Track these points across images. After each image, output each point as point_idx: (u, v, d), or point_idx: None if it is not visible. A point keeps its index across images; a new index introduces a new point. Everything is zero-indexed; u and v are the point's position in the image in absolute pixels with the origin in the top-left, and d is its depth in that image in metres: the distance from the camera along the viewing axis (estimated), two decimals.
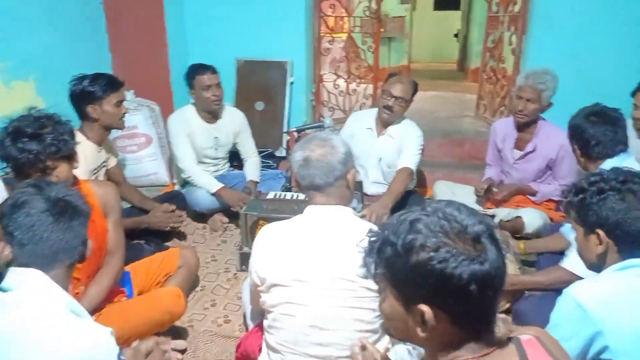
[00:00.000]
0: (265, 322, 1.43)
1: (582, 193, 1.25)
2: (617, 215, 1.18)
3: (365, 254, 0.86)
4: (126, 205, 2.73)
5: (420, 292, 0.78)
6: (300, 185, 1.46)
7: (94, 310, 1.70)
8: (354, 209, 2.40)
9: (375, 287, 1.28)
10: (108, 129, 2.43)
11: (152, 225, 2.57)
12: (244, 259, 2.40)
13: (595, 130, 1.90)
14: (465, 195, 3.05)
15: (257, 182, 3.10)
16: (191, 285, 2.31)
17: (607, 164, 1.86)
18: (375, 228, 0.90)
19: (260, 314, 1.55)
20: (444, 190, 3.15)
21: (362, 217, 2.33)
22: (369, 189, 2.90)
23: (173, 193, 3.10)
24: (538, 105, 2.67)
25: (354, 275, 1.29)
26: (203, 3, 3.89)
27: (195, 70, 2.93)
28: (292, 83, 3.95)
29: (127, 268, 1.96)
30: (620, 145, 1.91)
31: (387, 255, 0.82)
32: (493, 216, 2.87)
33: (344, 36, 4.42)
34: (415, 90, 2.72)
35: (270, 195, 2.64)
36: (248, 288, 1.62)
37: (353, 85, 4.41)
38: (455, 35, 10.21)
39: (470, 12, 8.50)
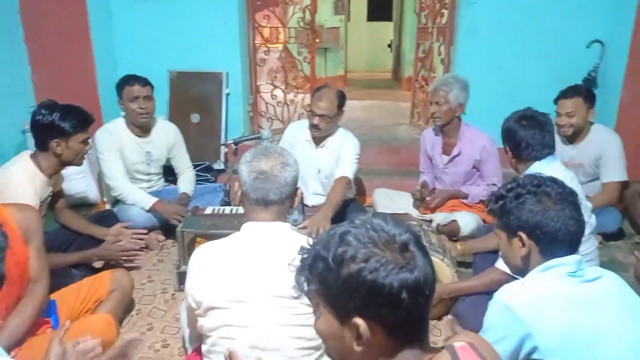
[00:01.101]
0: (204, 347, 1.37)
1: (502, 199, 1.31)
2: (535, 217, 1.24)
3: (297, 272, 0.85)
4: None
5: (354, 304, 0.78)
6: (248, 198, 1.39)
7: (15, 345, 1.56)
8: (295, 221, 2.42)
9: None
10: (66, 165, 2.24)
11: (106, 259, 2.42)
12: (182, 278, 2.29)
13: (525, 133, 1.99)
14: (404, 201, 3.13)
15: (189, 195, 3.00)
16: (126, 309, 2.19)
17: (536, 167, 1.96)
18: (306, 244, 0.89)
19: (199, 336, 1.48)
20: (382, 197, 3.20)
21: (304, 228, 2.33)
22: (309, 200, 2.89)
23: (104, 212, 2.93)
24: (447, 106, 2.83)
25: (294, 292, 1.27)
26: (132, 13, 3.75)
27: (126, 81, 2.82)
28: (228, 94, 3.89)
29: (53, 296, 1.82)
30: (547, 148, 2.01)
31: (319, 271, 0.81)
32: (430, 221, 2.96)
33: (280, 47, 4.42)
34: (342, 101, 2.73)
35: (208, 211, 2.56)
36: (185, 310, 1.55)
37: (291, 96, 4.42)
38: (389, 46, 10.53)
39: (402, 23, 8.81)
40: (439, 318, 2.15)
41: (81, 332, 1.69)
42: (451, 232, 2.77)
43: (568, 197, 1.26)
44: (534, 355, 1.16)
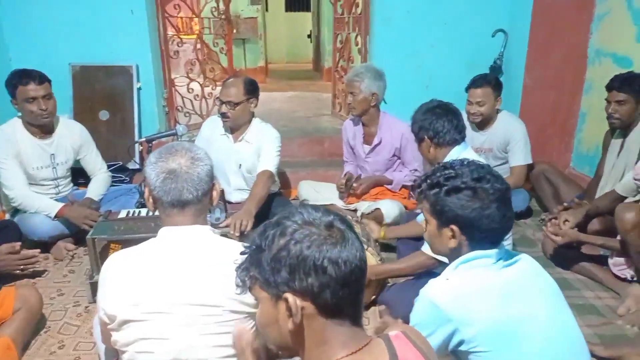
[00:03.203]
0: None
1: (438, 187, 1.27)
2: (471, 214, 1.22)
3: (239, 270, 0.87)
4: None
5: (281, 278, 0.80)
6: (161, 202, 1.28)
7: None
8: (218, 219, 2.33)
9: (241, 308, 1.23)
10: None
11: (2, 271, 2.19)
12: (95, 289, 2.12)
13: (443, 120, 2.05)
14: (329, 192, 3.15)
15: (93, 200, 2.79)
16: (34, 328, 2.00)
17: (453, 153, 2.03)
18: (240, 246, 0.90)
19: (115, 351, 1.37)
20: (308, 189, 3.20)
21: (226, 227, 2.25)
22: (232, 196, 2.80)
23: (4, 223, 2.64)
24: (362, 96, 2.87)
25: (218, 299, 1.20)
26: (24, 1, 3.40)
27: (18, 79, 2.54)
28: (139, 89, 3.66)
29: None
30: (462, 132, 2.10)
31: (255, 257, 0.84)
32: (355, 210, 3.00)
33: (195, 38, 4.24)
34: (251, 88, 2.67)
35: (123, 214, 2.39)
36: (99, 324, 1.42)
37: (209, 89, 4.25)
38: (309, 36, 10.54)
39: (320, 13, 8.83)
40: (367, 307, 2.17)
41: None
42: (375, 220, 2.81)
43: (504, 194, 1.25)
44: (462, 347, 1.19)
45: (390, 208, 2.81)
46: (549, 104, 3.64)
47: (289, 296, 0.80)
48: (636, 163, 2.27)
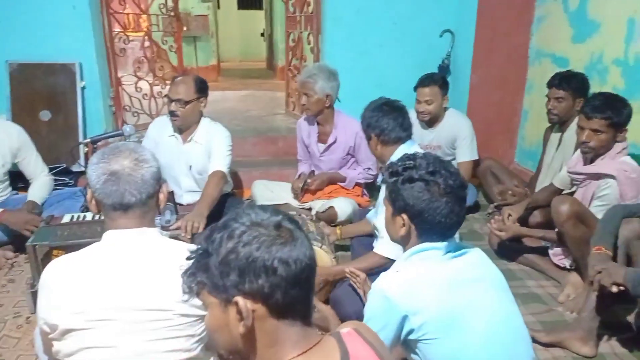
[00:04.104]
0: None
1: (396, 176, 1.31)
2: (420, 205, 1.26)
3: (185, 276, 0.85)
4: None
5: (231, 282, 0.79)
6: (103, 205, 1.24)
7: None
8: (168, 221, 2.27)
9: (192, 311, 1.21)
10: None
11: None
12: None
13: (388, 118, 2.08)
14: (283, 191, 3.14)
15: (35, 203, 2.65)
16: None
17: (400, 150, 2.06)
18: (189, 247, 0.88)
19: None
20: (262, 189, 3.17)
21: (177, 229, 2.20)
22: (184, 198, 2.74)
23: None
24: (316, 97, 2.87)
25: (167, 303, 1.17)
26: None
27: None
28: (83, 87, 3.51)
29: None
30: (408, 130, 2.13)
31: (202, 261, 0.82)
32: (310, 209, 3.01)
33: (143, 35, 4.11)
34: (201, 87, 2.61)
35: (66, 219, 2.29)
36: (40, 335, 1.36)
37: (158, 88, 4.14)
38: (262, 34, 10.46)
39: (272, 12, 8.79)
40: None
41: None
42: (329, 218, 2.84)
43: (457, 191, 1.27)
44: (411, 336, 1.22)
45: (343, 206, 2.84)
46: (494, 102, 3.79)
47: (239, 300, 0.78)
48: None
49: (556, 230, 2.26)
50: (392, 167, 1.34)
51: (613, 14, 2.82)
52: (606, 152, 2.17)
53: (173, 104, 2.55)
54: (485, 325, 1.22)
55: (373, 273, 1.97)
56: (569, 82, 2.66)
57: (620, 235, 1.88)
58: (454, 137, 3.11)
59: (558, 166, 2.71)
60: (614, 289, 1.67)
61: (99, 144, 2.57)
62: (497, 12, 3.60)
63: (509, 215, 2.54)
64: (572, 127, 2.69)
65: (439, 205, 1.25)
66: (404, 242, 1.34)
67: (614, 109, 2.11)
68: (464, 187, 1.30)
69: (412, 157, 1.34)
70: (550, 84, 2.73)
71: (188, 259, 0.86)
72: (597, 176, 2.18)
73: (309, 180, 3.03)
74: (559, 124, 2.77)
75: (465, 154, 3.11)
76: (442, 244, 1.29)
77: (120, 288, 1.18)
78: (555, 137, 2.83)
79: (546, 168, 2.86)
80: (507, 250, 2.67)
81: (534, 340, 1.82)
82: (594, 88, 2.88)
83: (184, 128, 2.66)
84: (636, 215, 1.90)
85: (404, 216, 1.29)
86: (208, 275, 0.82)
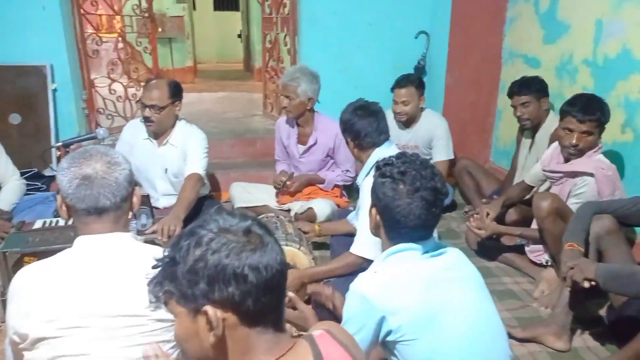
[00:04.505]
0: None
1: (378, 170, 1.36)
2: (385, 200, 1.30)
3: (151, 285, 0.82)
4: None
5: (200, 290, 0.77)
6: (75, 210, 1.21)
7: None
8: (144, 225, 2.23)
9: (168, 316, 1.19)
10: None
11: None
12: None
13: (362, 123, 2.08)
14: (262, 193, 3.12)
15: (5, 210, 2.58)
16: None
17: (377, 153, 2.07)
18: (152, 253, 0.85)
19: None
20: (239, 191, 3.14)
21: (153, 233, 2.16)
22: (160, 202, 2.69)
23: None
24: (298, 100, 2.85)
25: (141, 309, 1.15)
26: None
27: None
28: (55, 90, 3.44)
29: None
30: (383, 134, 2.13)
31: (169, 270, 0.80)
32: (288, 210, 2.99)
33: (116, 37, 4.04)
34: (175, 91, 2.56)
35: (38, 224, 2.23)
36: (10, 345, 1.32)
37: (133, 90, 4.07)
38: (239, 36, 10.40)
39: (249, 13, 8.75)
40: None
41: None
42: (308, 219, 2.83)
43: (426, 194, 1.26)
44: (389, 337, 1.23)
45: (322, 207, 2.83)
46: (469, 102, 3.84)
47: (209, 309, 0.77)
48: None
49: (536, 227, 2.30)
50: (381, 161, 1.40)
51: (582, 15, 2.89)
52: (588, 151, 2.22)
53: (147, 109, 2.49)
54: (463, 324, 1.24)
55: (353, 274, 1.99)
56: (529, 86, 2.73)
57: (592, 232, 1.92)
58: (431, 137, 3.15)
59: (531, 166, 2.76)
60: (586, 284, 1.71)
61: (72, 147, 2.51)
62: (471, 13, 3.65)
63: (487, 213, 2.58)
64: (544, 127, 2.75)
65: (399, 204, 1.27)
66: (377, 234, 1.39)
67: (601, 110, 2.16)
68: (436, 190, 1.28)
69: (401, 155, 1.38)
70: (510, 93, 2.79)
71: (154, 267, 0.84)
72: (574, 174, 2.23)
73: (288, 182, 3.01)
74: (532, 128, 2.81)
75: (442, 153, 3.15)
76: (418, 245, 1.30)
77: (92, 294, 1.16)
78: (527, 139, 2.89)
79: (520, 169, 2.92)
80: (484, 249, 2.71)
81: (510, 336, 1.85)
82: (565, 88, 2.95)
83: (159, 133, 2.62)
84: (606, 212, 1.95)
85: (374, 210, 1.36)
86: (176, 284, 0.79)
